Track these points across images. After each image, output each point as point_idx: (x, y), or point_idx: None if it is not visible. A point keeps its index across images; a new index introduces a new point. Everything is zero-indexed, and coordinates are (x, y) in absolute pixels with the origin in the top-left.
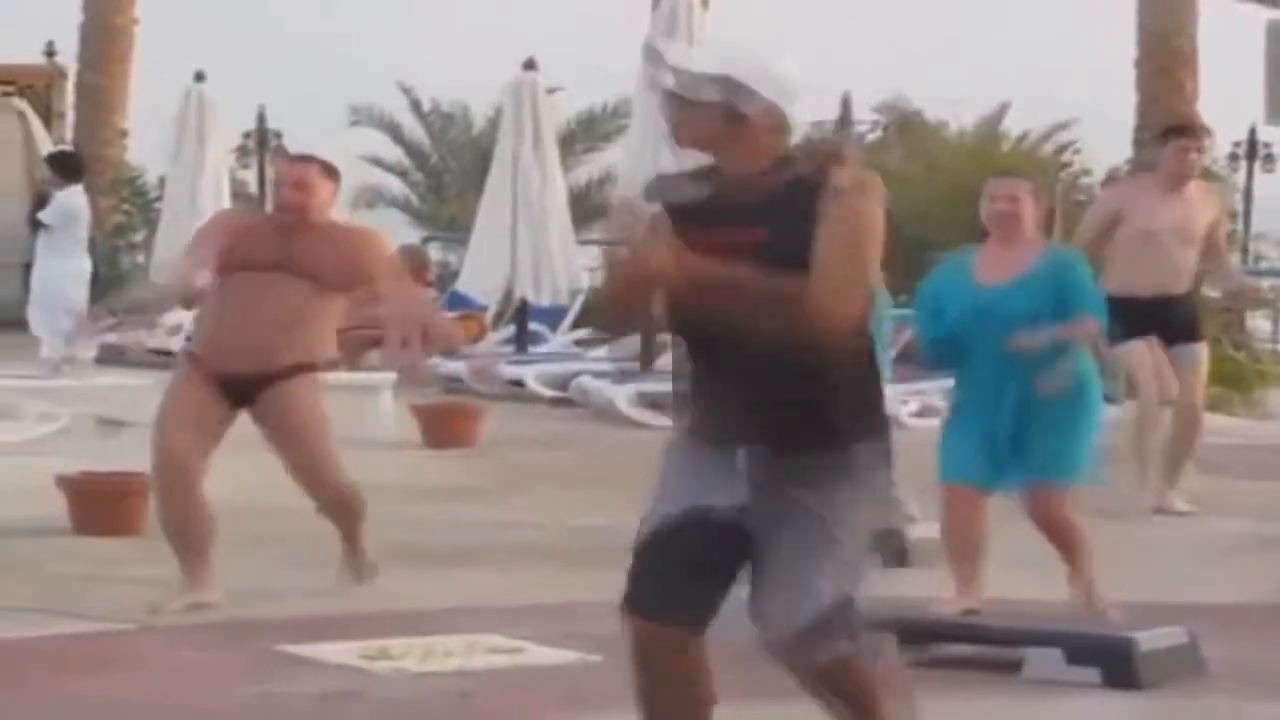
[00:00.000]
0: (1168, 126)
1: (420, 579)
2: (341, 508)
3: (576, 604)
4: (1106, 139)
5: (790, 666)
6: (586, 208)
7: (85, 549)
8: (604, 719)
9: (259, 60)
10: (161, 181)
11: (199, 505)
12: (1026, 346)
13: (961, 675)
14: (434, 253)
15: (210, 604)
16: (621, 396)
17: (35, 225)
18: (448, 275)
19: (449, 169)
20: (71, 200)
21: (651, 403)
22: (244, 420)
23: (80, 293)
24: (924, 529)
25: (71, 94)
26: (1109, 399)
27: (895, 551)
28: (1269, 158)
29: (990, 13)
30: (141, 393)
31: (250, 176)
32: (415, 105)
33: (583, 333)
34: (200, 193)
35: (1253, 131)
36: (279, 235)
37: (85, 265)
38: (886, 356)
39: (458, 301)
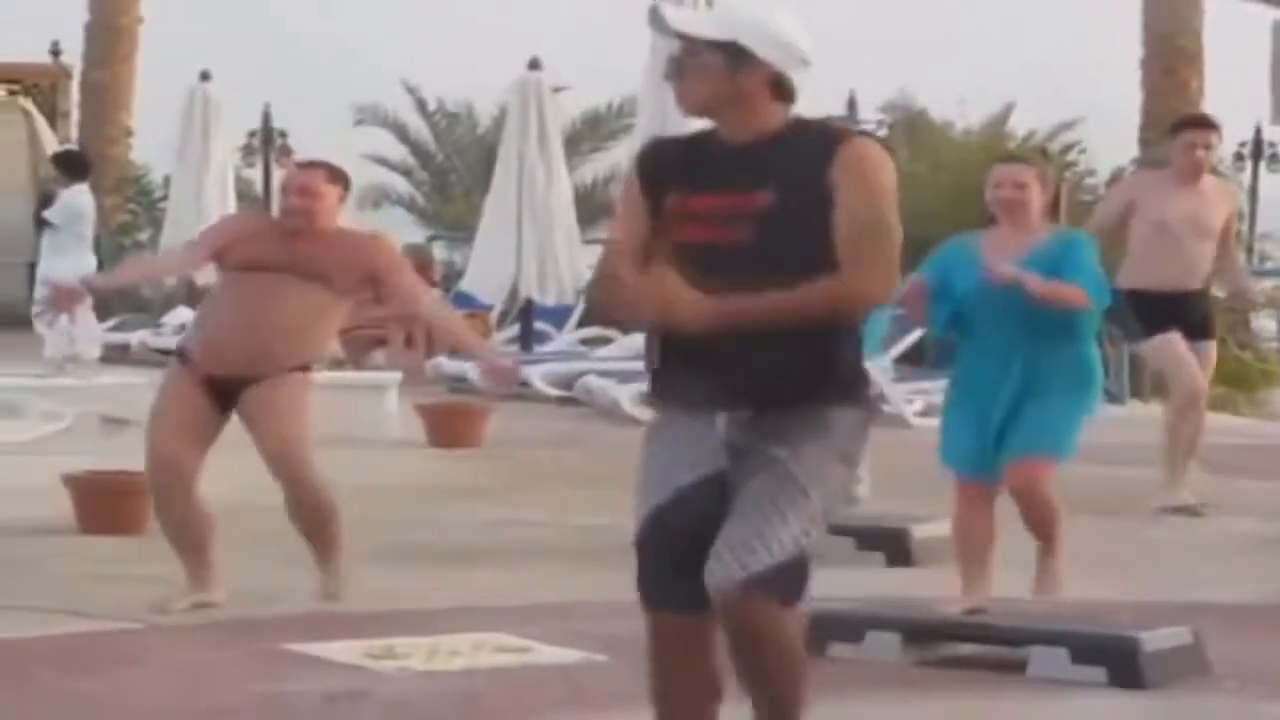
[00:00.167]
0: (1177, 120)
1: (426, 578)
2: (316, 510)
3: (583, 603)
4: (1112, 139)
5: (725, 620)
6: (592, 207)
7: (90, 548)
8: (611, 718)
9: (264, 59)
10: (166, 180)
11: (195, 505)
12: (1005, 277)
13: (966, 674)
14: (439, 252)
15: (214, 603)
16: (626, 396)
17: (40, 224)
18: (453, 274)
19: (454, 168)
20: (76, 199)
21: None
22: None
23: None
24: (929, 528)
25: (76, 93)
26: (1111, 397)
27: (899, 550)
28: (1274, 157)
29: (995, 13)
30: (146, 392)
31: (255, 175)
32: (420, 104)
33: (588, 332)
34: (205, 191)
35: (1258, 131)
36: (285, 239)
37: (90, 264)
38: (887, 357)
39: (463, 301)
